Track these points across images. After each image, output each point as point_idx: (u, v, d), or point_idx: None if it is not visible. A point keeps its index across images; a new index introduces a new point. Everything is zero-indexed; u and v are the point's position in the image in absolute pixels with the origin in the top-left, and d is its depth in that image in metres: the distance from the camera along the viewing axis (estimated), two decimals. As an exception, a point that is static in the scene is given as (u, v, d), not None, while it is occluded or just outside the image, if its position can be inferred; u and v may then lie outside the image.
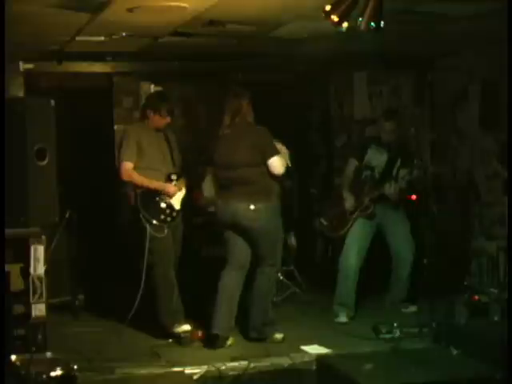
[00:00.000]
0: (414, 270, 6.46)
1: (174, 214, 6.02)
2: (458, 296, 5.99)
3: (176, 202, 6.05)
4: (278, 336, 5.84)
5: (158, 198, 5.98)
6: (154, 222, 5.92)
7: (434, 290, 5.82)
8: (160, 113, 6.04)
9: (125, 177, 6.00)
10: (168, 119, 6.09)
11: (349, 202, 6.53)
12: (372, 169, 6.54)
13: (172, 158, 6.15)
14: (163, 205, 5.99)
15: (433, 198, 6.49)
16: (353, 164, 6.66)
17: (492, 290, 6.01)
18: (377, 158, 6.57)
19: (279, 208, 6.12)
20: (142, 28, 5.70)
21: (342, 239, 6.55)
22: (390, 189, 6.33)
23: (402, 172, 6.49)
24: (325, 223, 6.74)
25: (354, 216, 6.48)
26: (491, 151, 7.07)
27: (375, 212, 6.47)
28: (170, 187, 6.01)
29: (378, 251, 6.65)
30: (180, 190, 6.07)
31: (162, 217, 5.97)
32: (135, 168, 5.97)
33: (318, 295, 7.17)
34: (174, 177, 6.07)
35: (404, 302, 6.63)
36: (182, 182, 6.09)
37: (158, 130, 6.11)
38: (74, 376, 4.79)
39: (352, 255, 6.46)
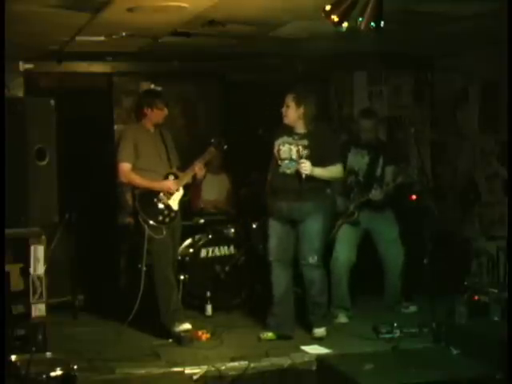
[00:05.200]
0: (412, 271, 6.45)
1: (173, 214, 6.01)
2: (458, 296, 6.00)
3: (174, 202, 6.04)
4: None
5: (155, 199, 5.97)
6: (153, 223, 5.92)
7: (434, 290, 5.81)
8: (157, 106, 6.05)
9: (123, 178, 6.00)
10: (166, 111, 6.11)
11: (341, 203, 6.48)
12: (356, 173, 6.51)
13: (169, 158, 6.15)
14: (161, 206, 5.98)
15: (433, 198, 6.49)
16: None
17: (492, 289, 6.01)
18: (358, 161, 6.54)
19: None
20: (142, 28, 5.70)
21: (330, 243, 6.53)
22: (375, 195, 6.31)
23: (388, 170, 6.48)
24: None
25: (339, 222, 6.47)
26: (491, 151, 7.07)
27: (359, 219, 6.45)
28: (169, 183, 6.01)
29: (376, 251, 6.64)
30: (177, 190, 6.07)
31: (160, 218, 5.96)
32: (133, 169, 5.98)
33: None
34: (171, 177, 6.07)
35: (400, 302, 6.63)
36: (180, 182, 6.09)
37: (156, 126, 6.11)
38: (74, 376, 4.79)
39: (341, 259, 6.45)
